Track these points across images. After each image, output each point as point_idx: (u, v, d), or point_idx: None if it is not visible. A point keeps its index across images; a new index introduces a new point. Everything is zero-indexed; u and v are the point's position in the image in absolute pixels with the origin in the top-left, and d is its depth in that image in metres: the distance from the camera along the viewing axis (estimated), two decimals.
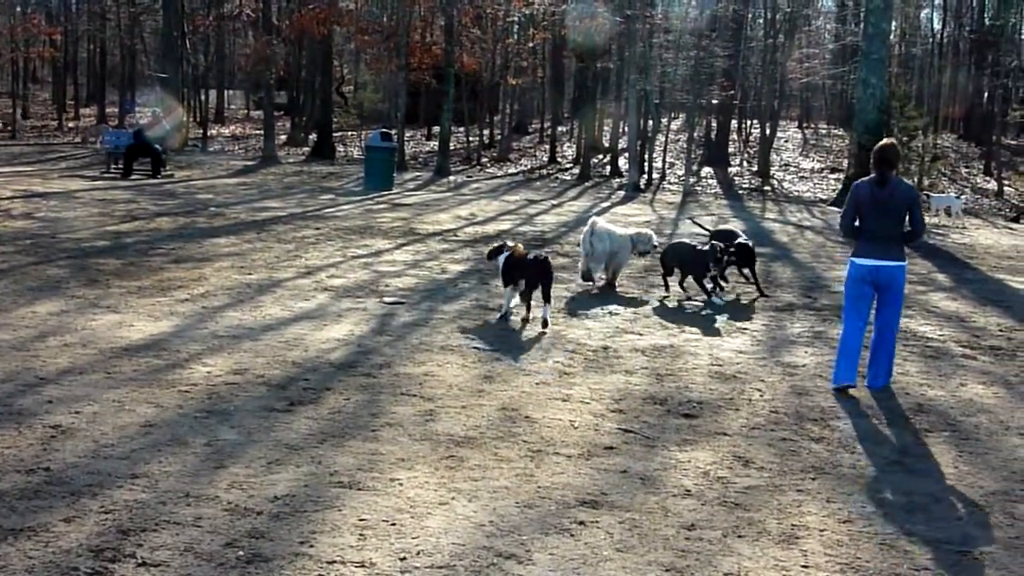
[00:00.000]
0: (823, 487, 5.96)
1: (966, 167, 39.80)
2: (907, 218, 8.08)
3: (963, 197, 27.65)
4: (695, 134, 41.13)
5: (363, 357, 8.35)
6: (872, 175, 8.12)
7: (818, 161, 41.51)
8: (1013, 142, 48.23)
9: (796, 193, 31.29)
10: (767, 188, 32.32)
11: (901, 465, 6.44)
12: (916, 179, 26.57)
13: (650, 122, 34.35)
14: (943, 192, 27.69)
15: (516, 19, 39.68)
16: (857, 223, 8.24)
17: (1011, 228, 23.91)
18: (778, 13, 38.22)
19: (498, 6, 36.17)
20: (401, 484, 5.60)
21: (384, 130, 25.64)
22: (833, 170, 38.60)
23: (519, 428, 6.73)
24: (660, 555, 4.87)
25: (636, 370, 8.42)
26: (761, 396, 7.84)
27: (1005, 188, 33.40)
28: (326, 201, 20.79)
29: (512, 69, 40.45)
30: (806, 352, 9.39)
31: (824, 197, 29.38)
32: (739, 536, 5.16)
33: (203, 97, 45.87)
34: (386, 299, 10.65)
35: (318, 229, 16.05)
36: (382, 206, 20.52)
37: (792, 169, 38.79)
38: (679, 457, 6.34)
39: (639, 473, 6.01)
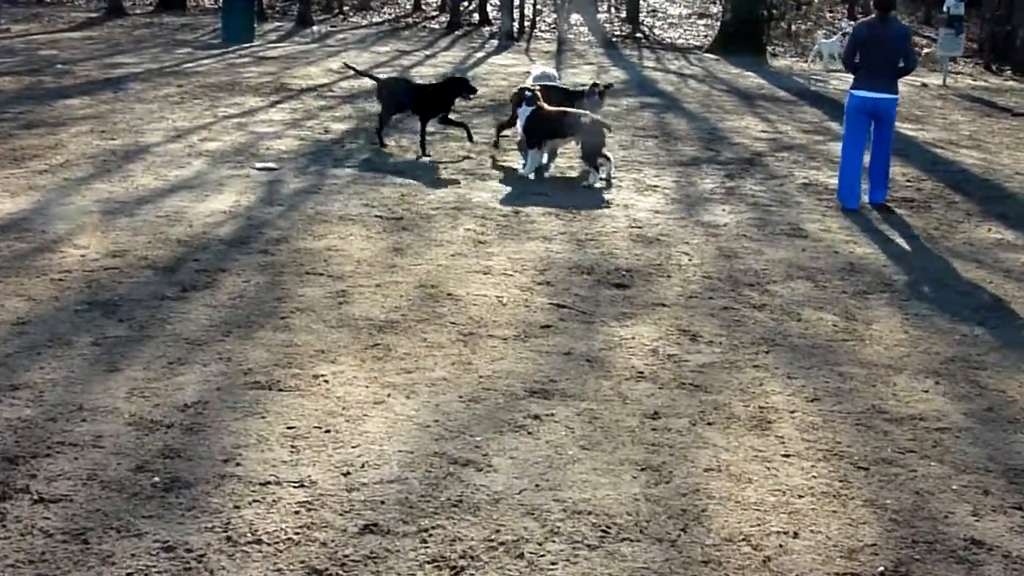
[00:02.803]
0: (779, 361, 5.56)
1: (830, 11, 39.82)
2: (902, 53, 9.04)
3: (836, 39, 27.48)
4: None
5: (255, 231, 7.54)
6: (871, 16, 9.10)
7: (685, 7, 40.92)
8: None
9: (669, 40, 30.71)
10: (639, 35, 31.65)
11: (850, 332, 6.09)
12: (798, 24, 26.26)
13: None
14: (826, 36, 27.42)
15: None
16: (856, 59, 9.14)
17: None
18: None
19: None
20: (327, 381, 4.96)
21: None
22: (701, 15, 38.10)
23: (443, 308, 6.11)
24: (630, 451, 4.38)
25: (554, 236, 7.85)
26: (690, 260, 7.39)
27: None
28: (184, 56, 19.27)
29: None
30: (723, 210, 8.96)
31: (699, 44, 28.89)
32: (708, 423, 4.71)
33: None
34: (257, 165, 9.71)
35: (180, 87, 14.75)
36: (246, 60, 19.12)
37: (660, 15, 38.09)
38: (621, 333, 5.85)
39: (584, 354, 5.49)
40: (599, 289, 6.64)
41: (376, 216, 8.11)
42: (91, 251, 6.84)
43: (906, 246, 8.14)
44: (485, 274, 6.81)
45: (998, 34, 27.47)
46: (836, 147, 12.43)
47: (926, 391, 5.24)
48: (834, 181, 10.30)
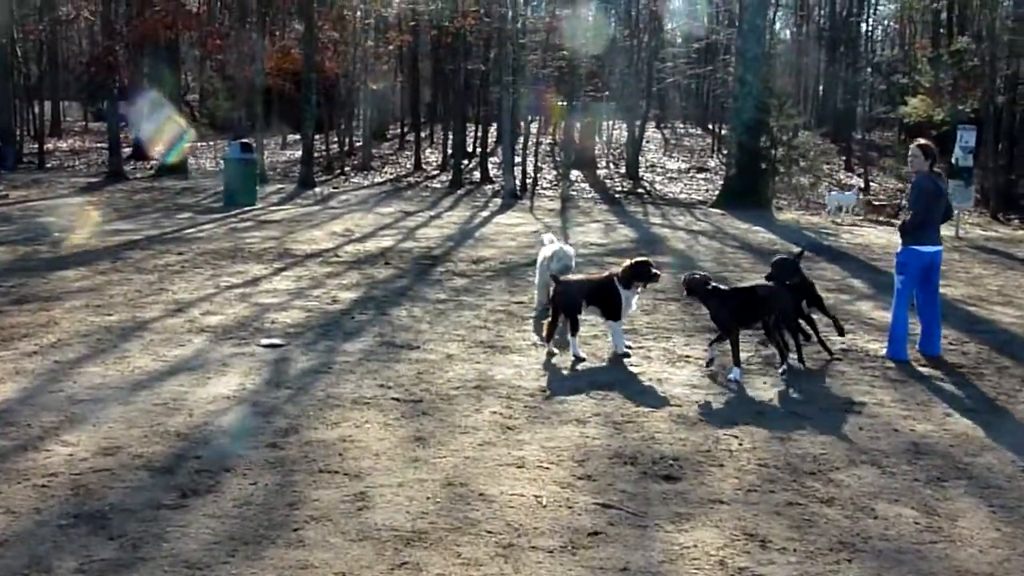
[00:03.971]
0: (865, 572, 4.84)
1: (827, 163, 40.08)
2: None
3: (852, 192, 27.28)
4: (559, 136, 40.22)
5: (262, 420, 6.88)
6: (927, 170, 9.15)
7: (682, 161, 41.23)
8: (863, 137, 49.10)
9: (671, 195, 30.69)
10: (641, 191, 31.65)
11: (936, 531, 5.38)
12: (798, 178, 26.17)
13: (520, 125, 33.30)
14: (832, 190, 27.28)
15: (372, 21, 38.13)
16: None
17: (894, 225, 23.63)
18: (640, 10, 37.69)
19: (360, 5, 34.52)
20: None
21: (244, 140, 23.79)
22: (700, 169, 38.32)
23: (476, 511, 5.41)
24: None
25: (588, 418, 7.18)
26: (740, 444, 6.71)
27: (871, 184, 33.62)
28: (184, 221, 18.95)
29: (370, 72, 38.82)
30: (764, 383, 8.33)
31: (701, 199, 28.81)
32: None
33: (37, 109, 42.74)
34: (263, 342, 9.09)
35: (181, 254, 14.31)
36: (248, 224, 18.80)
37: (659, 170, 38.33)
38: (680, 540, 5.14)
39: (643, 570, 4.77)
40: (647, 483, 5.94)
41: (393, 399, 7.46)
42: (80, 448, 6.16)
43: (968, 421, 7.47)
44: (519, 467, 6.12)
45: (1002, 184, 27.41)
46: (865, 307, 11.96)
47: None
48: (873, 345, 9.78)
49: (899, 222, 9.87)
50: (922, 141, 9.52)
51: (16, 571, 4.52)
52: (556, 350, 8.99)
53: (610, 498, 5.67)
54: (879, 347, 9.72)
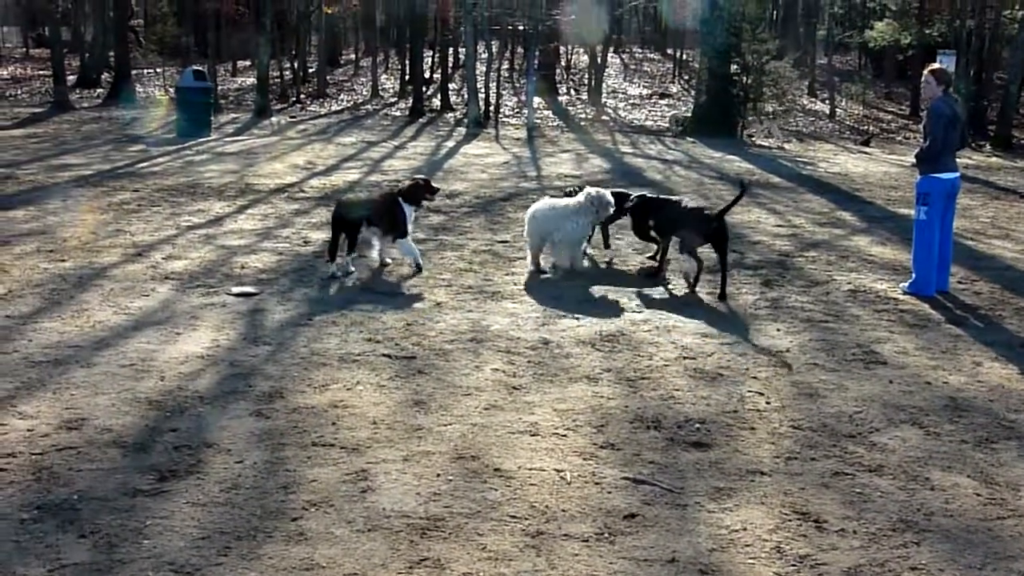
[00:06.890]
0: (938, 557, 4.32)
1: (797, 90, 39.49)
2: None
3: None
4: (519, 63, 39.26)
5: (242, 383, 6.21)
6: (941, 95, 8.73)
7: (644, 87, 40.41)
8: (824, 61, 48.48)
9: (636, 122, 29.95)
10: (606, 118, 30.88)
11: (1001, 504, 4.88)
12: (775, 105, 25.52)
13: (483, 52, 32.25)
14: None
15: None
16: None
17: (866, 153, 23.20)
18: None
19: None
20: None
21: (196, 68, 22.68)
22: (662, 96, 37.55)
23: (495, 491, 4.82)
24: None
25: (598, 374, 6.59)
26: (768, 404, 6.16)
27: (837, 110, 33.12)
28: (137, 153, 17.96)
29: None
30: (777, 330, 7.78)
31: (668, 126, 28.10)
32: None
33: None
34: (234, 290, 8.37)
35: (136, 191, 13.44)
36: (204, 156, 17.86)
37: (621, 96, 37.49)
38: (727, 522, 4.59)
39: (692, 561, 4.21)
40: (675, 451, 5.38)
41: (383, 355, 6.82)
42: (40, 422, 5.47)
43: (1001, 370, 6.99)
44: (532, 435, 5.53)
45: (972, 111, 27.01)
46: (862, 242, 11.45)
47: None
48: (880, 285, 9.28)
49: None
50: (935, 66, 9.24)
51: None
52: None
53: (640, 471, 5.11)
54: (887, 287, 9.24)
